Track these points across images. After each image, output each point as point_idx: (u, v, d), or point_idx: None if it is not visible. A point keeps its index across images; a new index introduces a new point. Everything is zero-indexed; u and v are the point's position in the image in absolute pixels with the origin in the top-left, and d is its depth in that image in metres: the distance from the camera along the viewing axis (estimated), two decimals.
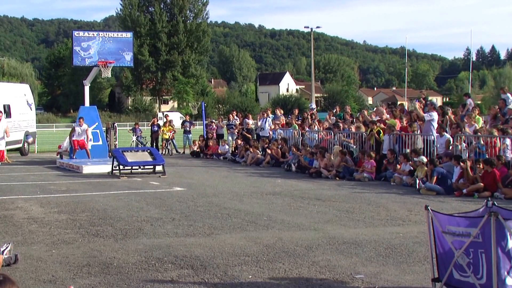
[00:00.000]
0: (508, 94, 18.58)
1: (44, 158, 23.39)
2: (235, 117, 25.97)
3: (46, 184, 14.63)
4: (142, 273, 6.36)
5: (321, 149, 17.59)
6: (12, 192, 13.00)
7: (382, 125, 17.40)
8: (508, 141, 13.92)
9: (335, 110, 23.59)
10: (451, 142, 15.17)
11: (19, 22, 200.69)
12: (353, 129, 18.66)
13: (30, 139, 25.60)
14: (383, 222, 9.41)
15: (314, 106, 26.41)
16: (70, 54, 23.51)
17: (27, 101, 26.65)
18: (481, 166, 12.93)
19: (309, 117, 22.56)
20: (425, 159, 14.33)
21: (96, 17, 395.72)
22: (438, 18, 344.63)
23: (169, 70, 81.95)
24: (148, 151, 17.95)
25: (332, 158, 16.91)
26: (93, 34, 20.23)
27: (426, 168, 13.82)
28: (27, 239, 8.10)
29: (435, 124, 15.89)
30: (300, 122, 22.47)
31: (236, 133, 24.49)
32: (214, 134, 25.64)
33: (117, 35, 20.68)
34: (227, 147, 23.79)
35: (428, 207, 5.44)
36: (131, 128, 31.97)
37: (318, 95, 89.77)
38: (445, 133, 15.46)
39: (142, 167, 17.25)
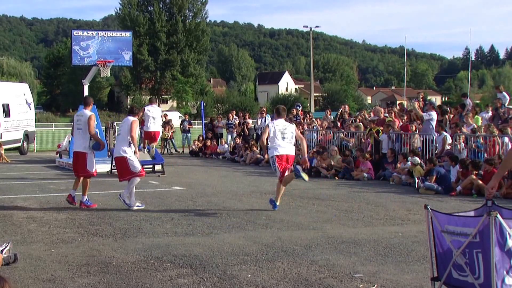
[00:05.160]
0: (504, 93, 18.63)
1: (43, 157, 23.38)
2: (235, 116, 25.94)
3: (46, 183, 14.63)
4: (141, 272, 6.36)
5: (321, 149, 17.60)
6: (11, 191, 13.01)
7: (380, 128, 17.38)
8: (506, 139, 13.92)
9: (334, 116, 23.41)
10: (448, 141, 15.15)
11: (18, 22, 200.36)
12: (352, 128, 18.66)
13: None
14: (382, 222, 9.42)
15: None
16: (69, 54, 23.46)
17: (26, 101, 26.65)
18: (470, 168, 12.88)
19: (307, 116, 22.54)
20: (418, 160, 14.30)
21: (95, 16, 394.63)
22: (437, 18, 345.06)
23: (168, 69, 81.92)
24: (147, 150, 17.92)
25: (331, 157, 16.91)
26: (92, 34, 20.19)
27: (421, 169, 13.82)
28: (26, 238, 8.10)
29: (434, 124, 15.89)
30: (299, 122, 22.42)
31: (235, 132, 24.46)
32: (217, 130, 25.62)
33: (116, 34, 20.64)
34: (226, 146, 23.77)
35: (428, 206, 5.44)
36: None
37: (317, 94, 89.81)
38: (444, 132, 15.46)
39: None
